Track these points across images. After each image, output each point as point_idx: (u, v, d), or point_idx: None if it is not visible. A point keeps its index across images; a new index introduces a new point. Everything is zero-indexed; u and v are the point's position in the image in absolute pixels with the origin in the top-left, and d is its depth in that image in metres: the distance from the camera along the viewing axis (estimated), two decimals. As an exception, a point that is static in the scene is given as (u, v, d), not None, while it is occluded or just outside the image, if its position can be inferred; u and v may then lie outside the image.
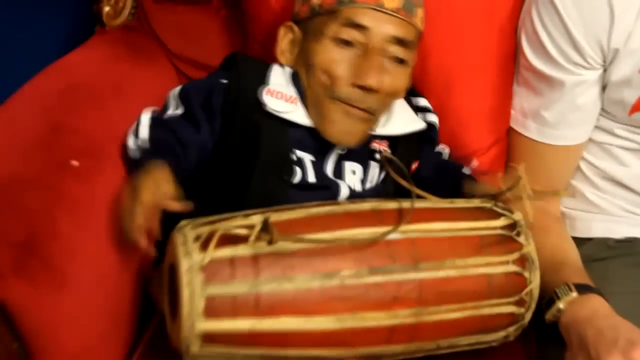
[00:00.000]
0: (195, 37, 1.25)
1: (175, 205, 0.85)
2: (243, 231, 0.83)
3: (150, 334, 1.05)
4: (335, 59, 0.99)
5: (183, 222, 0.87)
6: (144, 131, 0.99)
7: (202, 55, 1.20)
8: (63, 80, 1.08)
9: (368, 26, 0.98)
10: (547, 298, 0.94)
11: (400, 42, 1.00)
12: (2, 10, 1.45)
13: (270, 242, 0.81)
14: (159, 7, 1.25)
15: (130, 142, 0.99)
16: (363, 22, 0.98)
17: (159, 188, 0.86)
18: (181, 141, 0.97)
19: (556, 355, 0.92)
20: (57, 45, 1.20)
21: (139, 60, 1.20)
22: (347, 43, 0.99)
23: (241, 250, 0.84)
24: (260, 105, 1.00)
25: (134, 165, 0.96)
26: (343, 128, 1.00)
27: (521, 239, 0.94)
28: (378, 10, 0.99)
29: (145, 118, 1.00)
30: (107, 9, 1.24)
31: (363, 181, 1.05)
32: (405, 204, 0.92)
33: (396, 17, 0.99)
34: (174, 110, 1.03)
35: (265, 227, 0.80)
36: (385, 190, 1.05)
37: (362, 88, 0.98)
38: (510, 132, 1.18)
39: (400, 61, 1.01)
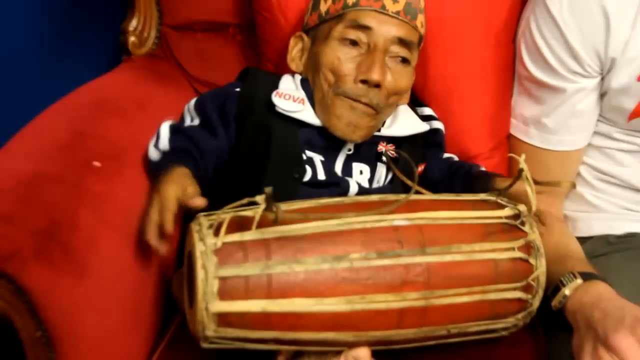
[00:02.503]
0: (213, 61, 1.26)
1: (197, 201, 0.85)
2: (250, 213, 0.82)
3: (172, 332, 1.03)
4: (341, 58, 0.99)
5: (200, 214, 0.86)
6: (164, 141, 0.99)
7: (220, 78, 1.20)
8: (90, 97, 1.10)
9: (371, 26, 0.99)
10: (553, 287, 0.93)
11: (402, 42, 1.00)
12: (33, 43, 1.49)
13: (275, 220, 0.79)
14: (180, 35, 1.27)
15: (152, 152, 1.00)
16: (367, 23, 0.99)
17: (181, 186, 0.87)
18: (199, 148, 0.97)
19: (564, 343, 0.90)
20: (87, 73, 1.21)
21: (161, 83, 1.21)
22: (352, 43, 0.99)
23: (253, 235, 0.82)
24: (271, 108, 1.00)
25: (156, 172, 0.95)
26: (349, 122, 0.99)
27: (526, 228, 0.92)
28: (381, 13, 0.99)
29: (165, 129, 1.00)
30: (132, 39, 1.26)
31: (370, 181, 1.04)
32: (411, 197, 0.91)
33: (398, 19, 1.00)
34: (191, 121, 1.03)
35: (269, 204, 0.79)
36: (393, 191, 1.03)
37: (366, 83, 0.98)
38: (511, 140, 1.17)
39: (403, 60, 1.01)
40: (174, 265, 1.04)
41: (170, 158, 0.95)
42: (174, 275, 1.02)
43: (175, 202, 0.85)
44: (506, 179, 1.03)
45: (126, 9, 1.28)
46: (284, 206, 0.84)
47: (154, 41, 1.28)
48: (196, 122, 1.02)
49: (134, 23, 1.26)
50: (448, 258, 0.86)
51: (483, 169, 1.12)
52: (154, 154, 0.99)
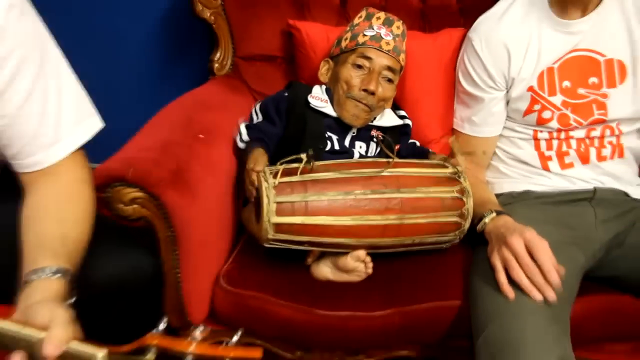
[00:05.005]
0: (266, 80, 1.27)
1: (259, 167, 0.91)
2: (296, 165, 0.87)
3: (242, 242, 1.08)
4: (352, 75, 1.03)
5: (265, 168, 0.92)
6: (245, 135, 1.03)
7: (270, 90, 1.19)
8: (194, 98, 1.13)
9: (372, 57, 1.03)
10: (478, 219, 0.96)
11: (390, 69, 1.04)
12: (152, 67, 1.50)
13: (311, 169, 0.86)
14: (246, 63, 1.28)
15: (239, 143, 1.04)
16: (370, 55, 1.03)
17: (260, 159, 0.92)
18: (267, 135, 1.02)
19: (483, 252, 0.93)
20: (188, 86, 1.21)
21: (234, 92, 1.24)
22: (359, 67, 1.03)
23: (297, 178, 0.88)
24: (307, 105, 1.04)
25: (244, 153, 1.01)
26: (353, 114, 1.03)
27: (461, 180, 0.97)
28: (379, 50, 1.03)
29: (243, 128, 1.04)
30: (216, 65, 1.28)
31: (366, 152, 1.08)
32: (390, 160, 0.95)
33: (389, 54, 1.04)
34: (257, 118, 1.07)
35: (308, 160, 0.85)
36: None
37: (366, 91, 1.02)
38: (454, 131, 1.18)
39: (389, 80, 1.05)
40: (241, 205, 1.09)
41: (251, 145, 1.00)
42: (243, 210, 1.07)
43: (252, 163, 0.91)
44: (437, 155, 1.06)
45: (213, 46, 1.27)
46: (317, 163, 0.91)
47: (230, 67, 1.28)
48: (260, 118, 1.05)
49: (217, 55, 1.27)
50: (414, 195, 0.92)
51: (429, 150, 1.14)
52: (240, 144, 1.03)
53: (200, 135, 0.98)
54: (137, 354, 0.53)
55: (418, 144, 1.16)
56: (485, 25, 1.07)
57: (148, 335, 0.53)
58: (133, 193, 0.83)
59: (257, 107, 1.09)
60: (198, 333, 0.54)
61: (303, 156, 0.85)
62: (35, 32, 0.69)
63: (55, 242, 0.66)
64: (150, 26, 1.44)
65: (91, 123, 0.75)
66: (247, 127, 1.05)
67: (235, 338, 0.57)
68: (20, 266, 0.64)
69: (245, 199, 1.07)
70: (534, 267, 0.81)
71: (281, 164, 0.89)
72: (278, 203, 0.86)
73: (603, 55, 1.02)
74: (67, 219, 0.69)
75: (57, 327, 0.53)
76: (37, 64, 0.68)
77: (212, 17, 1.25)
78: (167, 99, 1.10)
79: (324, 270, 0.96)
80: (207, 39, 1.32)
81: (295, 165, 0.89)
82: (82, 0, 1.36)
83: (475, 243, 0.98)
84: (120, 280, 0.75)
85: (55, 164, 0.71)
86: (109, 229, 0.77)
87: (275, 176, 0.88)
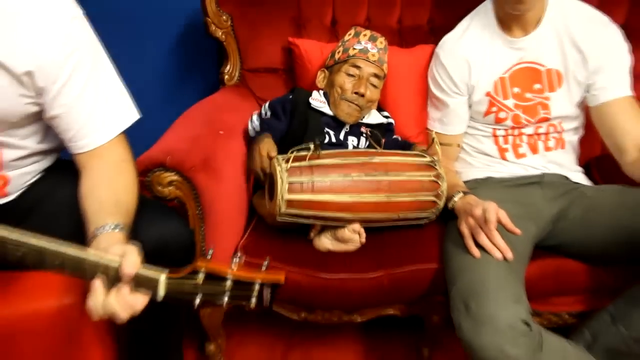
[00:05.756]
0: (269, 88, 1.34)
1: (272, 153, 1.00)
2: (304, 153, 0.97)
3: (255, 221, 1.17)
4: (345, 81, 1.14)
5: (277, 155, 1.01)
6: (256, 123, 1.13)
7: (271, 97, 1.24)
8: (210, 103, 1.22)
9: (361, 67, 1.14)
10: (449, 198, 1.06)
11: (375, 76, 1.15)
12: (170, 79, 1.56)
13: (318, 156, 0.95)
14: (252, 74, 1.36)
15: (250, 130, 1.14)
16: (359, 64, 1.14)
17: (268, 144, 1.01)
18: (273, 128, 1.11)
19: (454, 226, 1.01)
20: (202, 94, 1.28)
21: (242, 98, 1.32)
22: (351, 74, 1.13)
23: (305, 164, 0.97)
24: (308, 106, 1.13)
25: (254, 139, 1.09)
26: (347, 113, 1.13)
27: (437, 167, 1.07)
28: (366, 60, 1.14)
29: (255, 116, 1.14)
30: (226, 76, 1.35)
31: (357, 145, 1.17)
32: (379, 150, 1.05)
33: (374, 64, 1.15)
34: (265, 114, 1.16)
35: (316, 148, 0.95)
36: None
37: (357, 94, 1.12)
38: (427, 129, 1.26)
39: (375, 86, 1.15)
40: (252, 190, 1.17)
41: (260, 132, 1.09)
42: (254, 196, 1.17)
43: (265, 150, 0.99)
44: (422, 145, 1.14)
45: (223, 60, 1.35)
46: (322, 152, 0.99)
47: (238, 78, 1.35)
48: (269, 114, 1.14)
49: (227, 68, 1.34)
50: (399, 178, 1.02)
51: (411, 142, 1.22)
52: (252, 131, 1.12)
53: (221, 132, 1.07)
54: (190, 277, 0.62)
55: (400, 139, 1.26)
56: (449, 43, 1.18)
57: (198, 261, 0.62)
58: (170, 177, 0.91)
59: (267, 105, 1.18)
60: (235, 262, 0.63)
61: (311, 145, 0.95)
62: (90, 38, 0.80)
63: (111, 205, 0.74)
64: (169, 43, 1.51)
65: (131, 113, 0.84)
66: (258, 117, 1.13)
67: (263, 267, 0.64)
68: (84, 232, 0.72)
69: (255, 185, 1.16)
70: (495, 232, 0.92)
71: (292, 152, 0.99)
72: (290, 183, 0.96)
73: (543, 66, 1.12)
74: (118, 187, 0.77)
75: (131, 254, 0.62)
76: (91, 62, 0.78)
77: (223, 36, 1.33)
78: (184, 104, 1.18)
79: (325, 242, 1.05)
80: (218, 54, 1.41)
81: (303, 153, 0.99)
82: (112, 19, 1.41)
83: (447, 217, 1.07)
84: (162, 244, 0.81)
85: (103, 145, 0.79)
86: (152, 205, 0.85)
87: (287, 162, 0.98)
